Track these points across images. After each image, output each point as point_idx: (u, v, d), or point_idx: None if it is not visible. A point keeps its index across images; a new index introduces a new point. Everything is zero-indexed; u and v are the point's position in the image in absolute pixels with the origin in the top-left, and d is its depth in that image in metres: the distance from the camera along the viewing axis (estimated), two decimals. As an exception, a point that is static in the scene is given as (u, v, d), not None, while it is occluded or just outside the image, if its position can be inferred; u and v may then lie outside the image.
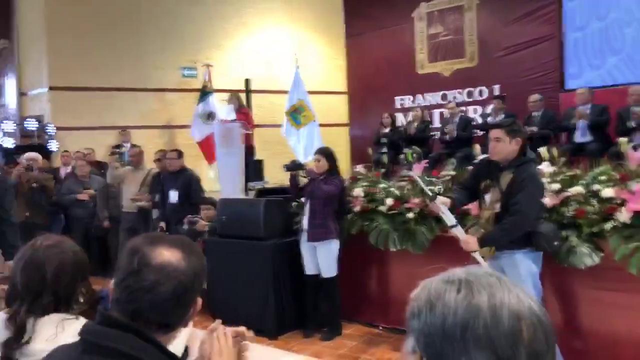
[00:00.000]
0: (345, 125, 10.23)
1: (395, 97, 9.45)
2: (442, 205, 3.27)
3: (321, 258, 4.22)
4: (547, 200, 3.34)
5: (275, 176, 7.91)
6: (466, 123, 7.16)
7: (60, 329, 1.45)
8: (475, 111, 8.53)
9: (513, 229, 3.03)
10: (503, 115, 6.48)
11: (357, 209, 4.38)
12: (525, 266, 3.11)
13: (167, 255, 1.08)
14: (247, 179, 7.04)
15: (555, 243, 3.13)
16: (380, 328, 4.47)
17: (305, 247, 4.29)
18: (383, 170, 4.67)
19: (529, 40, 7.91)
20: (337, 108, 10.18)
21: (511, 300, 0.72)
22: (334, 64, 10.24)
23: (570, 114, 6.22)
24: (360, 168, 4.82)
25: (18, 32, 9.10)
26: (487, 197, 3.19)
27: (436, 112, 8.79)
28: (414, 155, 4.93)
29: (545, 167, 3.61)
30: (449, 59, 8.89)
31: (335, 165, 4.29)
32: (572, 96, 6.65)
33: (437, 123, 8.40)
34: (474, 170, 3.56)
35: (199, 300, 1.15)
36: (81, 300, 1.57)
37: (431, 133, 7.80)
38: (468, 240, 3.15)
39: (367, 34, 9.78)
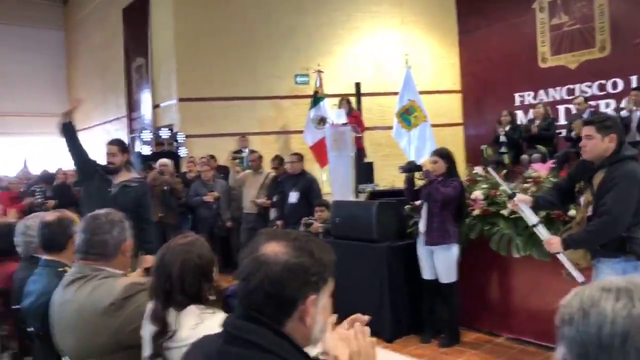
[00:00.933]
0: (459, 124, 9.86)
1: (515, 94, 8.89)
2: (521, 204, 3.14)
3: (439, 263, 4.09)
4: None
5: (386, 178, 7.88)
6: (597, 119, 6.52)
7: (199, 321, 1.56)
8: (607, 105, 7.73)
9: (599, 232, 2.77)
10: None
11: (476, 212, 4.18)
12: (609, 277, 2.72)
13: (270, 248, 1.08)
14: (358, 182, 7.09)
15: None
16: (503, 337, 4.22)
17: (422, 251, 4.20)
18: (504, 171, 4.40)
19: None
20: (450, 107, 9.86)
21: None
22: (445, 62, 9.94)
23: None
24: (479, 169, 4.60)
25: (152, 51, 10.12)
26: (582, 200, 2.98)
27: (561, 108, 8.13)
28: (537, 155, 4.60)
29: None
30: (576, 50, 8.16)
31: (454, 167, 4.14)
32: None
33: (562, 120, 7.75)
34: (570, 171, 3.31)
35: (315, 300, 1.09)
36: (212, 297, 1.66)
37: (557, 131, 7.22)
38: (551, 241, 2.97)
39: (482, 29, 9.34)
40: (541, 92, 8.57)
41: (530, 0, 8.67)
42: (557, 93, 8.37)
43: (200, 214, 6.87)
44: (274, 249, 1.09)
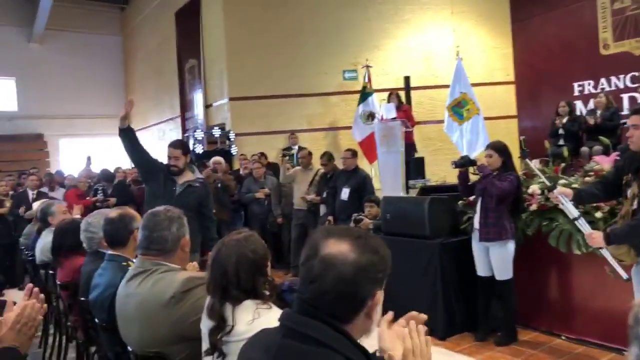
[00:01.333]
0: (512, 117, 9.53)
1: (574, 84, 8.47)
2: (561, 196, 3.08)
3: (495, 259, 3.98)
4: None
5: (437, 173, 7.73)
6: (666, 107, 6.12)
7: (256, 315, 1.58)
8: (677, 93, 7.24)
9: None
10: None
11: (533, 207, 4.03)
12: None
13: (335, 247, 1.09)
14: (408, 177, 7.00)
15: None
16: (563, 338, 4.05)
17: (477, 247, 4.09)
18: (563, 164, 4.21)
19: None
20: (504, 99, 9.53)
21: None
22: (498, 53, 9.62)
23: None
24: (535, 162, 4.42)
25: (203, 52, 10.40)
26: (629, 192, 2.82)
27: (625, 97, 7.68)
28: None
29: None
30: (640, 35, 7.68)
31: (509, 161, 4.01)
32: None
33: (626, 110, 7.32)
34: (617, 163, 3.16)
35: (379, 296, 1.12)
36: (266, 292, 1.68)
37: (621, 121, 6.82)
38: (593, 235, 2.90)
39: (537, 17, 8.96)
40: (602, 80, 8.12)
41: (590, -16, 8.24)
42: (621, 81, 7.91)
43: (252, 210, 7.01)
44: (340, 248, 1.10)
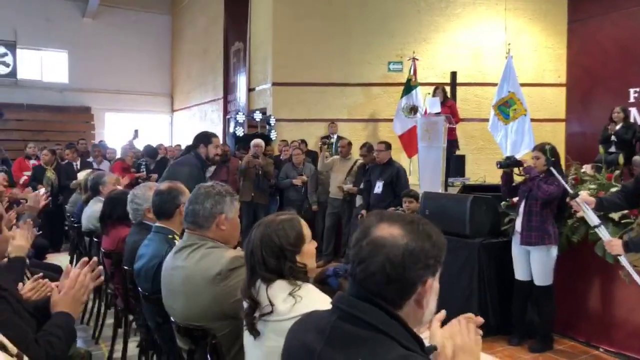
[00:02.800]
0: (561, 120, 9.21)
1: (630, 89, 8.11)
2: (583, 204, 3.15)
3: (535, 264, 3.88)
4: None
5: (477, 173, 7.58)
6: None
7: (296, 298, 1.56)
8: None
9: None
10: None
11: (580, 214, 3.89)
12: None
13: (386, 230, 1.07)
14: (448, 174, 6.88)
15: None
16: (601, 350, 3.93)
17: (517, 250, 3.99)
18: (617, 172, 4.04)
19: None
20: (552, 102, 9.23)
21: None
22: (551, 53, 9.30)
23: None
24: (587, 168, 4.27)
25: (250, 36, 10.45)
26: None
27: (684, 106, 7.32)
28: None
29: None
30: None
31: (557, 164, 3.88)
32: None
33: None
34: (639, 173, 3.25)
35: (430, 283, 1.09)
36: (296, 278, 1.64)
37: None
38: (612, 242, 2.99)
39: (596, 18, 8.60)
40: (661, 87, 7.76)
41: (654, -13, 7.84)
42: (681, 89, 7.54)
43: (288, 196, 7.04)
44: (391, 231, 1.08)
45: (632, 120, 7.18)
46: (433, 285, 1.12)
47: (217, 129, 11.82)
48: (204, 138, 4.10)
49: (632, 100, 8.06)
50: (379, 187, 5.75)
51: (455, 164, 7.30)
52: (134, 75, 14.17)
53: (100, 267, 1.78)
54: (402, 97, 8.48)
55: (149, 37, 14.57)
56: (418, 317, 1.13)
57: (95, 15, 13.97)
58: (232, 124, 9.57)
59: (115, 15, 14.13)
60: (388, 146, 5.94)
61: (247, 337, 1.64)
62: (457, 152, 7.72)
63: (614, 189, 3.86)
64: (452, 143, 7.48)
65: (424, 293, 1.10)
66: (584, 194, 3.18)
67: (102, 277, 1.82)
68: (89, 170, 5.99)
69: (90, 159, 8.23)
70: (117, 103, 14.16)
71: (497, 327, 4.19)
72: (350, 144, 6.81)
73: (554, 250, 3.84)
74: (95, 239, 3.81)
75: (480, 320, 1.21)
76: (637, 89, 8.05)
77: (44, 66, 13.60)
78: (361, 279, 1.08)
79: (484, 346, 3.98)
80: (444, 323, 1.28)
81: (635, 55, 8.02)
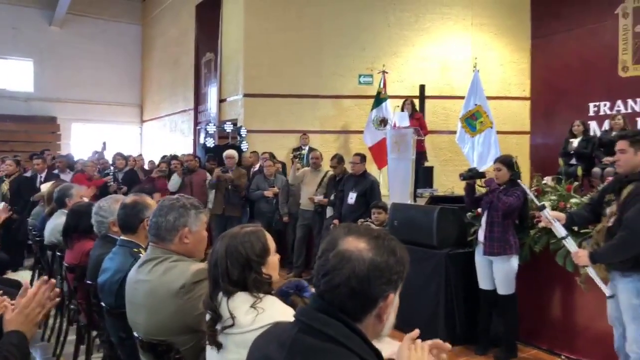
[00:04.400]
0: (525, 133, 9.49)
1: (590, 104, 8.44)
2: (549, 216, 3.27)
3: (498, 274, 3.97)
4: None
5: (445, 184, 7.73)
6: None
7: (260, 310, 1.56)
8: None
9: (620, 247, 2.86)
10: None
11: (542, 224, 4.00)
12: (625, 295, 2.90)
13: (352, 244, 1.09)
14: (416, 185, 6.99)
15: None
16: (563, 357, 4.04)
17: (480, 260, 4.09)
18: (576, 183, 4.19)
19: None
20: (517, 115, 9.50)
21: None
22: (515, 68, 9.60)
23: None
24: (548, 180, 4.41)
25: (221, 47, 10.44)
26: (607, 211, 3.08)
27: (640, 121, 7.65)
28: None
29: None
30: (661, 59, 7.64)
31: (517, 177, 3.99)
32: None
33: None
34: (605, 185, 3.40)
35: (391, 298, 1.11)
36: (259, 287, 1.64)
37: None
38: (579, 254, 3.10)
39: (558, 34, 8.94)
40: (619, 102, 8.09)
41: (613, 5, 8.19)
42: (637, 104, 7.87)
43: (259, 208, 7.02)
44: (357, 245, 1.10)
45: (591, 133, 7.44)
46: (394, 300, 1.13)
47: (188, 140, 11.72)
48: None
49: (591, 114, 8.38)
50: (352, 198, 5.80)
51: (423, 176, 7.43)
52: (102, 85, 13.95)
53: (58, 290, 1.74)
54: (372, 109, 8.60)
55: (118, 46, 14.39)
56: (377, 331, 1.15)
57: (62, 24, 13.72)
58: (202, 135, 9.51)
59: (83, 24, 13.91)
60: (363, 158, 6.02)
61: (209, 351, 1.64)
62: (426, 164, 7.87)
63: (573, 200, 4.01)
64: (421, 155, 7.63)
65: (385, 308, 1.11)
66: (554, 212, 3.30)
67: (58, 299, 1.77)
68: (51, 182, 5.83)
69: (56, 171, 8.03)
70: (85, 113, 13.89)
71: (464, 337, 4.27)
72: (321, 155, 6.85)
73: (515, 260, 3.94)
74: (58, 253, 3.71)
75: (448, 347, 1.23)
76: (597, 104, 8.38)
77: (8, 75, 13.24)
78: (325, 290, 1.09)
79: (451, 356, 4.03)
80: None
81: (595, 70, 8.36)
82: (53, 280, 1.74)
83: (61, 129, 13.63)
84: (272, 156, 7.95)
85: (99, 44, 13.94)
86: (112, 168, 8.38)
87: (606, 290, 3.08)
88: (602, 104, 8.31)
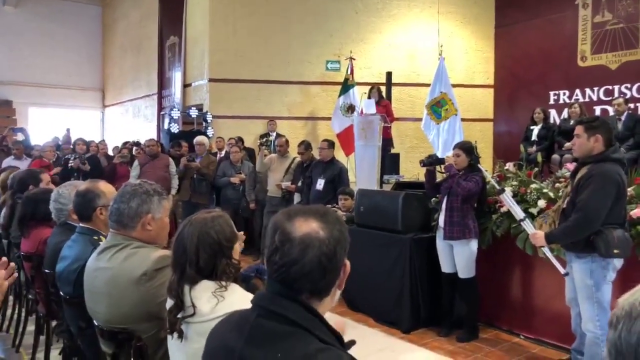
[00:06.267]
0: (489, 120, 9.70)
1: (550, 92, 8.68)
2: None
3: (458, 257, 4.07)
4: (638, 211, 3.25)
5: (411, 170, 7.82)
6: (635, 122, 6.33)
7: (220, 298, 1.54)
8: (646, 108, 7.50)
9: (573, 228, 2.98)
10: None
11: (504, 209, 4.12)
12: (579, 276, 3.05)
13: (305, 227, 1.09)
14: (383, 172, 7.05)
15: (616, 251, 2.89)
16: (522, 337, 4.18)
17: (441, 244, 4.17)
18: (536, 169, 4.31)
19: None
20: (482, 102, 9.69)
21: None
22: (479, 56, 9.76)
23: None
24: (509, 166, 4.52)
25: (186, 31, 10.18)
26: (562, 192, 3.27)
27: (597, 109, 7.92)
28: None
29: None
30: (618, 50, 7.91)
31: (476, 161, 4.08)
32: None
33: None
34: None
35: (348, 265, 1.15)
36: (227, 275, 1.62)
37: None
38: (536, 235, 3.23)
39: (520, 23, 9.13)
40: (577, 91, 8.35)
41: (573, -4, 8.42)
42: (595, 93, 8.15)
43: (226, 195, 6.95)
44: (310, 227, 1.10)
45: (551, 121, 7.67)
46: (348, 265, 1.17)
47: (152, 126, 11.44)
48: None
49: (552, 102, 8.62)
50: (320, 184, 5.80)
51: (390, 162, 7.49)
52: (60, 68, 13.42)
53: (13, 264, 1.67)
54: (339, 96, 8.60)
55: (76, 28, 13.85)
56: (335, 299, 1.18)
57: (17, 3, 13.09)
58: (166, 121, 9.30)
59: (39, 4, 13.31)
60: (331, 144, 6.01)
61: (170, 340, 1.61)
62: (392, 151, 7.93)
63: (533, 185, 4.11)
64: (387, 142, 7.68)
65: (344, 275, 1.15)
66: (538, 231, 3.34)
67: (16, 275, 1.70)
68: (9, 168, 5.60)
69: (11, 158, 7.72)
70: (42, 97, 13.35)
71: (428, 319, 4.37)
72: (287, 142, 6.80)
73: (474, 244, 4.04)
74: (12, 241, 3.58)
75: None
76: (557, 92, 8.62)
77: (-42, 56, 12.60)
78: (294, 278, 1.08)
79: (415, 338, 4.11)
80: None
81: (555, 60, 8.59)
82: (5, 259, 1.67)
83: (17, 113, 13.07)
84: (240, 140, 7.86)
85: (56, 25, 13.39)
86: (73, 155, 8.10)
87: (561, 269, 3.24)
88: (561, 92, 8.57)
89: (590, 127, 3.02)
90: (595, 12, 8.18)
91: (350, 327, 1.22)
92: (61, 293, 2.34)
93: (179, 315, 1.55)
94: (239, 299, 1.53)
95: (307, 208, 1.17)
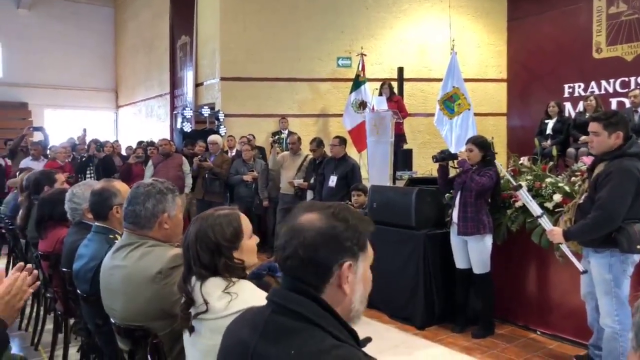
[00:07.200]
0: (502, 114, 9.60)
1: (564, 85, 8.56)
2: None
3: (473, 253, 4.03)
4: None
5: (423, 166, 7.77)
6: (652, 113, 6.22)
7: (232, 295, 1.53)
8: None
9: (594, 226, 2.93)
10: None
11: (519, 204, 4.08)
12: (598, 270, 3.01)
13: (304, 217, 1.10)
14: (396, 168, 7.03)
15: (639, 247, 2.83)
16: (538, 333, 4.14)
17: (455, 240, 4.14)
18: (551, 163, 4.25)
19: None
20: (495, 96, 9.60)
21: None
22: (492, 50, 9.66)
23: None
24: (524, 160, 4.47)
25: (197, 30, 10.23)
26: (580, 188, 3.20)
27: (613, 101, 7.79)
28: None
29: None
30: (633, 41, 7.77)
31: (490, 156, 4.04)
32: None
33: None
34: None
35: (351, 267, 1.08)
36: (231, 273, 1.61)
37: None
38: (554, 232, 3.18)
39: (533, 16, 9.01)
40: (593, 83, 8.22)
41: (587, -13, 8.28)
42: (610, 85, 8.01)
43: (239, 192, 6.98)
44: (309, 218, 1.11)
45: (566, 114, 7.57)
46: (358, 271, 1.11)
47: (164, 125, 11.53)
48: None
49: (566, 95, 8.50)
50: (332, 181, 5.80)
51: (402, 158, 7.47)
52: (74, 70, 13.57)
53: (36, 272, 1.70)
54: (351, 92, 8.57)
55: (90, 30, 13.99)
56: (346, 306, 1.12)
57: (31, 6, 13.27)
58: (179, 120, 9.36)
59: (52, 7, 13.48)
60: (342, 141, 6.00)
61: (186, 337, 1.62)
62: (405, 146, 7.90)
63: (549, 179, 4.06)
64: (400, 137, 7.65)
65: (343, 276, 1.09)
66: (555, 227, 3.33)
67: (39, 282, 1.73)
68: (26, 169, 5.69)
69: (29, 159, 7.82)
70: (57, 99, 13.52)
71: (443, 315, 4.35)
72: (300, 139, 6.81)
73: (489, 239, 4.01)
74: (30, 241, 3.63)
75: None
76: (571, 85, 8.50)
77: (-25, 60, 12.81)
78: (280, 264, 1.11)
79: (430, 334, 4.09)
80: None
81: (570, 52, 8.46)
82: (30, 266, 1.70)
83: (33, 115, 13.25)
84: (251, 138, 7.90)
85: (70, 27, 13.54)
86: (86, 153, 8.21)
87: (579, 266, 3.19)
88: (576, 85, 8.44)
89: (610, 123, 2.93)
90: (610, 3, 8.04)
91: (364, 324, 1.20)
92: (78, 291, 2.38)
93: (191, 311, 1.56)
94: (252, 295, 1.53)
95: (324, 205, 1.16)
